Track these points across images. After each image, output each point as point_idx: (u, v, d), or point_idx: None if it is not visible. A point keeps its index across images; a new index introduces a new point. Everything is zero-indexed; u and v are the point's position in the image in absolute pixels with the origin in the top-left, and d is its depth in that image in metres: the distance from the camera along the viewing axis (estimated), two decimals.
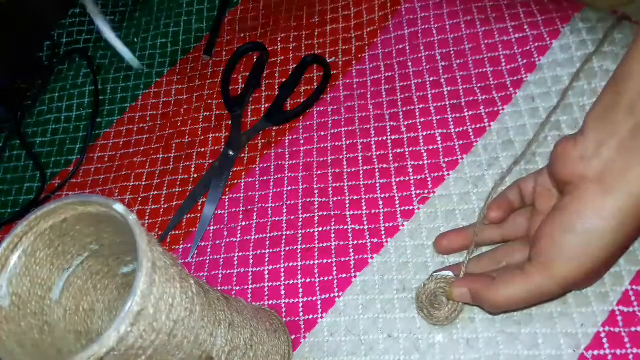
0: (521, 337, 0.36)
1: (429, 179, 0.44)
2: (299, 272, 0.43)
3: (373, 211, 0.44)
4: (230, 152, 0.51)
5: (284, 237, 0.45)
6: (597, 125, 0.31)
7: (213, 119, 0.55)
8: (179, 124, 0.56)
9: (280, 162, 0.49)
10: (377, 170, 0.46)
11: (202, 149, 0.53)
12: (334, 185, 0.46)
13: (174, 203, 0.51)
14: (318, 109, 0.51)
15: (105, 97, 0.61)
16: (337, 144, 0.48)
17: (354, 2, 0.56)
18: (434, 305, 0.37)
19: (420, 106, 0.47)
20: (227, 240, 0.47)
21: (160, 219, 0.50)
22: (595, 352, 0.34)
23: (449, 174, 0.43)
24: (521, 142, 0.42)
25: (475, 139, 0.44)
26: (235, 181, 0.50)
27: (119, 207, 0.26)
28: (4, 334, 0.27)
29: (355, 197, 0.45)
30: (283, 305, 0.42)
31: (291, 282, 0.43)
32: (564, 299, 0.36)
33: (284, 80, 0.54)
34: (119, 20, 0.67)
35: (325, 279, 0.42)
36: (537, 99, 0.44)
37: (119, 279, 0.35)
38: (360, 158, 0.47)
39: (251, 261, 0.45)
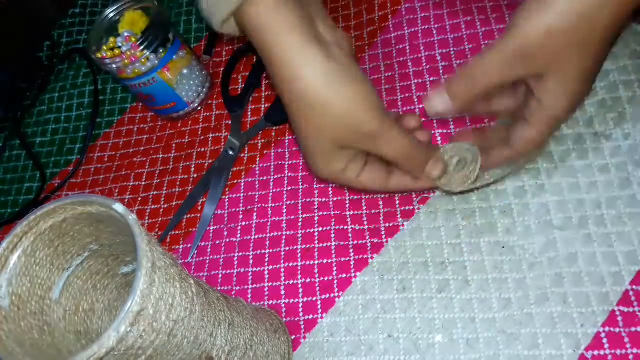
0: (521, 338, 0.36)
1: None
2: (299, 272, 0.43)
3: (373, 211, 0.44)
4: (230, 152, 0.51)
5: (284, 237, 0.45)
6: None
7: (213, 119, 0.55)
8: (179, 124, 0.56)
9: (280, 162, 0.49)
10: None
11: (202, 149, 0.53)
12: (334, 184, 0.46)
13: (174, 203, 0.51)
14: None
15: (105, 97, 0.61)
16: None
17: (354, 2, 0.56)
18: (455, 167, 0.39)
19: (421, 106, 0.47)
20: (227, 240, 0.47)
21: (160, 219, 0.50)
22: (596, 352, 0.34)
23: None
24: None
25: None
26: (235, 181, 0.50)
27: (119, 207, 0.26)
28: (4, 334, 0.27)
29: (355, 197, 0.45)
30: (283, 306, 0.42)
31: (291, 282, 0.43)
32: (564, 298, 0.36)
33: None
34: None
35: (325, 279, 0.42)
36: None
37: (118, 279, 0.35)
38: None
39: (251, 261, 0.45)
